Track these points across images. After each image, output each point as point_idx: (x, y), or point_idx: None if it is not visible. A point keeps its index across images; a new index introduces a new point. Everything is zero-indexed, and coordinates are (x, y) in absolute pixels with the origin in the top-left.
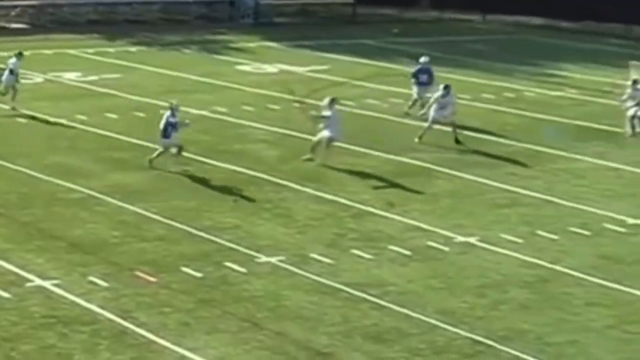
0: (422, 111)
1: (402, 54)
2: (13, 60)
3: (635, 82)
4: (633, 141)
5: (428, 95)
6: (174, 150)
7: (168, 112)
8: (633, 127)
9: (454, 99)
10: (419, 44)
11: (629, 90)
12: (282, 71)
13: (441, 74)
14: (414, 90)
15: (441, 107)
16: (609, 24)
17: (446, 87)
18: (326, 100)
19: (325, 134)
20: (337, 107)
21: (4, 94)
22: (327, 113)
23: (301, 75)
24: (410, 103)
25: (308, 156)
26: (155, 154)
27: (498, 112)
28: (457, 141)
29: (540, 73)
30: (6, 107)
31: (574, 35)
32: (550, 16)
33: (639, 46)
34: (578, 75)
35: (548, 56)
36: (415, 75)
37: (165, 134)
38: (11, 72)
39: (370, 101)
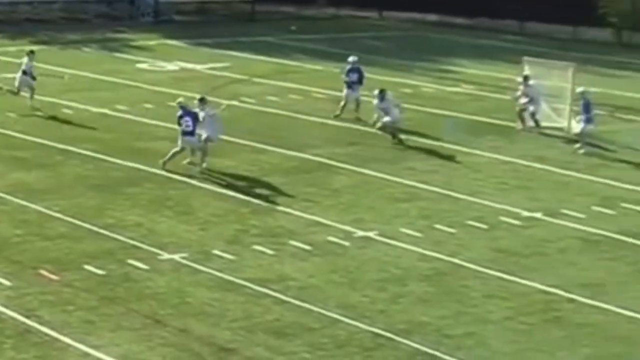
0: (378, 125)
1: (301, 51)
2: (25, 60)
3: (526, 78)
4: (525, 135)
5: (356, 95)
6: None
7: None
8: (522, 119)
9: (391, 104)
10: (317, 41)
11: (521, 87)
12: (182, 69)
13: (339, 70)
14: (344, 92)
15: (386, 113)
16: (503, 20)
17: (381, 92)
18: (196, 101)
19: (202, 133)
20: (209, 106)
21: (16, 94)
22: (202, 113)
23: (201, 73)
24: (341, 104)
25: (189, 160)
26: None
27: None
28: (394, 136)
29: (437, 69)
30: None
31: (469, 32)
32: (445, 13)
33: (532, 42)
34: (473, 71)
35: (444, 52)
36: (346, 74)
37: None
38: (24, 72)
39: (270, 98)
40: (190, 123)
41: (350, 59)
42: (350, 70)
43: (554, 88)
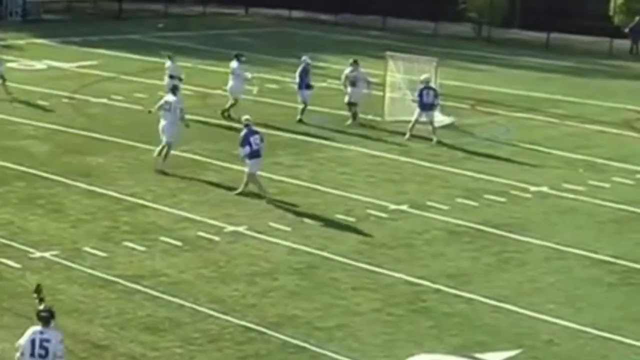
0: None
1: (168, 48)
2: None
3: (355, 62)
4: (392, 129)
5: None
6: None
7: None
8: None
9: (360, 75)
10: (185, 38)
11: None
12: (50, 68)
13: (207, 67)
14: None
15: (352, 84)
16: (365, 16)
17: (354, 62)
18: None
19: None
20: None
21: None
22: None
23: (70, 72)
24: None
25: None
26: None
27: (263, 103)
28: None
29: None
30: None
31: (334, 28)
32: (310, 9)
33: (395, 37)
34: (338, 67)
35: (310, 48)
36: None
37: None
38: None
39: (139, 95)
40: (259, 142)
41: (304, 57)
42: (304, 72)
43: (417, 82)
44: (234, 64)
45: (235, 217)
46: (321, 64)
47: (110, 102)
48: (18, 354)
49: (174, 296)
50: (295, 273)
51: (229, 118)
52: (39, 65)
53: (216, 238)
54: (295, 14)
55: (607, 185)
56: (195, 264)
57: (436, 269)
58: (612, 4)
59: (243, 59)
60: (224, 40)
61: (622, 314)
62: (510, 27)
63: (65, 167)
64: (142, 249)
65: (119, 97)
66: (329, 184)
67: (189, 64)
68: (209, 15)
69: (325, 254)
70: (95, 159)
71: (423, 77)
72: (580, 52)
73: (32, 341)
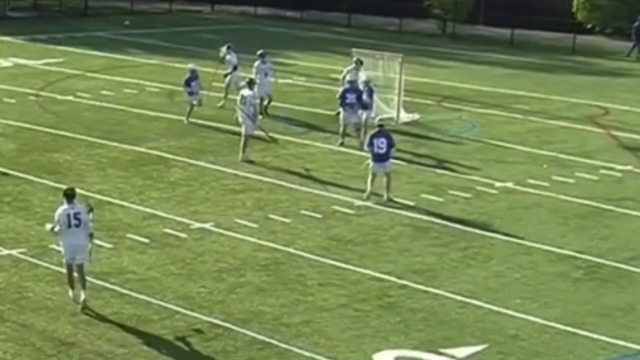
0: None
1: (135, 46)
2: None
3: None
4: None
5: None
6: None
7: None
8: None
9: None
10: (151, 35)
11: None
12: (16, 65)
13: (173, 64)
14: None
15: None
16: (331, 12)
17: (262, 55)
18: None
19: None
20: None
21: None
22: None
23: (36, 69)
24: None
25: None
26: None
27: (230, 100)
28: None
29: (271, 61)
30: None
31: (300, 24)
32: (276, 6)
33: (360, 34)
34: (304, 63)
35: (276, 45)
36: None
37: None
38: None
39: (105, 92)
40: (385, 144)
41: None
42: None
43: (383, 79)
44: (257, 63)
45: (201, 214)
46: (287, 61)
47: (77, 100)
48: (57, 227)
49: (141, 293)
50: (262, 269)
51: (263, 114)
52: (5, 62)
53: (183, 235)
54: (261, 10)
55: (571, 180)
56: (163, 261)
57: (402, 265)
58: (575, 1)
59: (266, 57)
60: (190, 37)
61: (587, 309)
62: (474, 24)
63: (32, 165)
64: (109, 246)
65: (85, 94)
66: (295, 180)
67: (154, 61)
68: (175, 12)
69: (291, 250)
70: (62, 156)
71: (365, 76)
72: (544, 48)
73: (68, 215)
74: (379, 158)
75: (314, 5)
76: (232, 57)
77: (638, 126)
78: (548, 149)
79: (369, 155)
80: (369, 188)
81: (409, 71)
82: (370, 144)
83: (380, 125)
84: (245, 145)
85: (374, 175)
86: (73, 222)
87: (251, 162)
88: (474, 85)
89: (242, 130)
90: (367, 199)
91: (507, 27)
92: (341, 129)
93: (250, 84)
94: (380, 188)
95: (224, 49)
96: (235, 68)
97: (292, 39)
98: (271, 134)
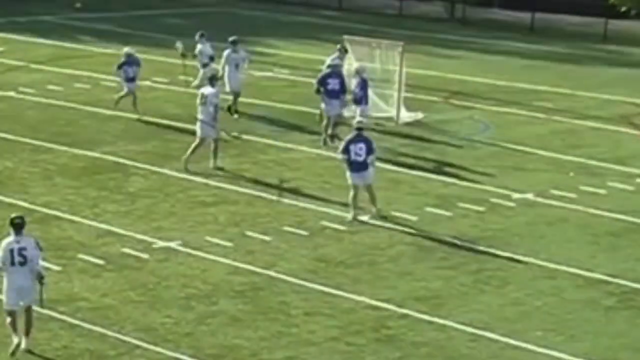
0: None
1: (88, 32)
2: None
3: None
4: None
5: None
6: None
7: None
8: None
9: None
10: (108, 20)
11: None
12: None
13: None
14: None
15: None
16: None
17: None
18: None
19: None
20: None
21: None
22: None
23: None
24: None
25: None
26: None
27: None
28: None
29: (247, 50)
30: None
31: (282, 7)
32: None
33: (354, 18)
34: (287, 53)
35: (253, 31)
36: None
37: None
38: None
39: (52, 87)
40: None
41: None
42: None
43: (380, 71)
44: (228, 52)
45: (166, 231)
46: (267, 50)
47: (19, 96)
48: None
49: (94, 324)
50: (237, 296)
51: (236, 112)
52: None
53: (144, 255)
54: None
55: (602, 191)
56: (120, 286)
57: (403, 291)
58: None
59: (239, 45)
60: (153, 22)
61: (621, 342)
62: (488, 6)
63: None
64: (57, 268)
65: (29, 90)
66: (276, 191)
67: (110, 51)
68: None
69: (272, 273)
70: (1, 163)
71: (357, 66)
72: (570, 35)
73: (11, 251)
74: (357, 167)
75: None
76: (205, 47)
77: None
78: (575, 154)
79: (344, 164)
80: (352, 208)
81: (411, 62)
82: (346, 151)
83: (359, 129)
84: (216, 149)
85: (355, 189)
86: (17, 259)
87: (221, 169)
88: (487, 79)
89: (198, 132)
90: (354, 219)
91: (526, 10)
92: (324, 123)
93: (212, 79)
94: (365, 201)
95: (196, 38)
96: (212, 59)
97: (273, 24)
98: (234, 133)
